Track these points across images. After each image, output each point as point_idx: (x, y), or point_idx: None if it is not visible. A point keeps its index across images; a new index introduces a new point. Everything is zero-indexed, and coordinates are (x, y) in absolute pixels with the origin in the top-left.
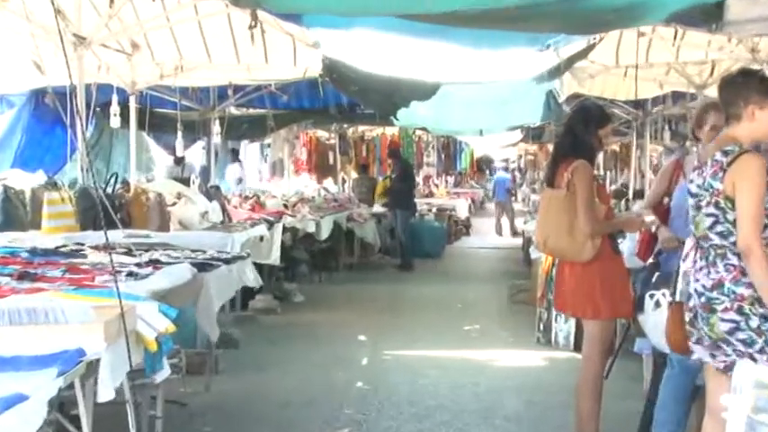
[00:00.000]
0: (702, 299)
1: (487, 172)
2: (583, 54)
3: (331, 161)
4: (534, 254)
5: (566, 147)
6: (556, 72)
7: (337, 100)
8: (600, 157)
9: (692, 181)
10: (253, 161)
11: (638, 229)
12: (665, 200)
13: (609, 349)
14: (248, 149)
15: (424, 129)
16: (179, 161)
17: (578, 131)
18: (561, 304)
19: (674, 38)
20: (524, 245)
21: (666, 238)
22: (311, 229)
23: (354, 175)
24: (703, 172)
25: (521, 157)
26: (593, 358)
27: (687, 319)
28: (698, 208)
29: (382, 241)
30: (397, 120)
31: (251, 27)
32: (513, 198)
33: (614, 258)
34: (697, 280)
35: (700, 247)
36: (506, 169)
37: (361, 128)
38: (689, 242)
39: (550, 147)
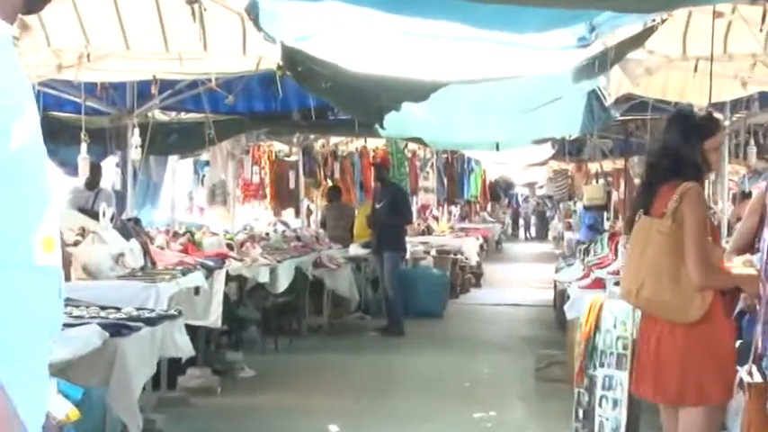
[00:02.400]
0: None
1: (506, 200)
2: (638, 41)
3: (292, 185)
4: (571, 313)
5: (664, 167)
6: (601, 65)
7: (302, 102)
8: None
9: None
10: (184, 184)
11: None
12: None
13: None
14: (178, 168)
15: (419, 141)
16: (92, 184)
17: (675, 146)
18: (645, 385)
19: (763, 20)
20: (556, 301)
21: (755, 295)
22: (264, 278)
23: (324, 203)
24: None
25: (551, 180)
26: None
27: None
28: None
29: (362, 295)
30: (383, 129)
31: (191, 1)
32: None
33: (725, 322)
34: None
35: None
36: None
37: (333, 140)
38: None
39: (591, 166)
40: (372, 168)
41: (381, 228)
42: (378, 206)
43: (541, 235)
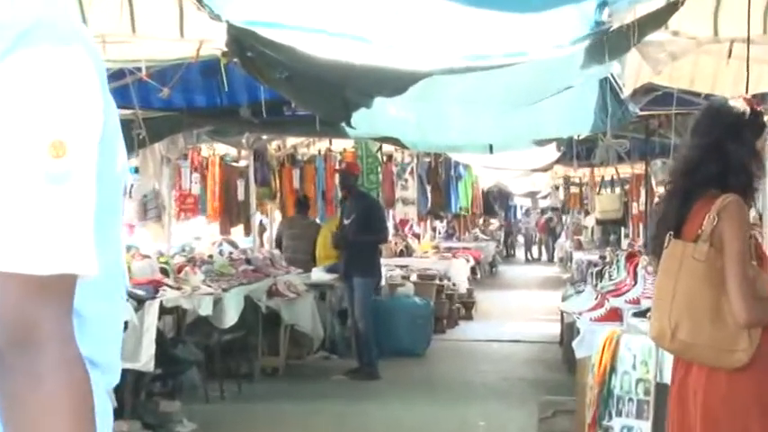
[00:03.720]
0: None
1: (502, 214)
2: (658, 19)
3: (241, 196)
4: (581, 351)
5: (704, 172)
6: (614, 48)
7: (252, 95)
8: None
9: None
10: None
11: None
12: None
13: None
14: None
15: (396, 142)
16: None
17: (722, 144)
18: None
19: None
20: (563, 336)
21: None
22: (207, 310)
23: (280, 218)
24: None
25: (557, 188)
26: None
27: None
28: None
29: (326, 331)
30: (351, 128)
31: None
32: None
33: None
34: None
35: None
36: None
37: (291, 141)
38: None
39: (605, 171)
40: (337, 176)
41: (350, 248)
42: (345, 222)
43: (546, 255)
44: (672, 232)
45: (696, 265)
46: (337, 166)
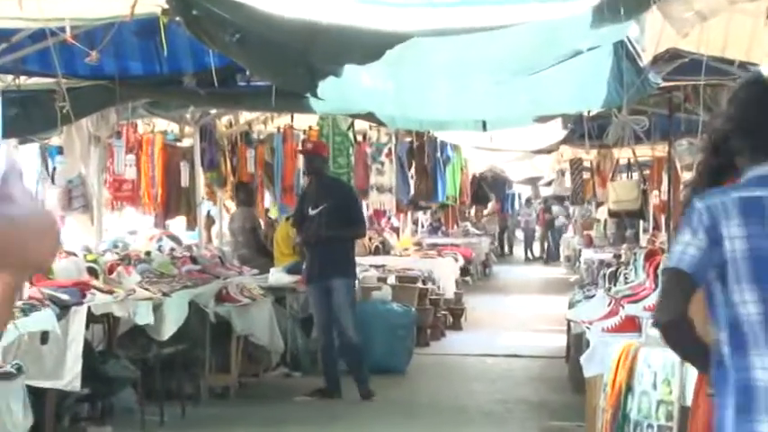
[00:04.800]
0: None
1: (497, 203)
2: None
3: (185, 182)
4: (591, 367)
5: (735, 148)
6: (633, 4)
7: (198, 61)
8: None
9: None
10: (26, 181)
11: None
12: None
13: None
14: (17, 157)
15: (370, 118)
16: None
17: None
18: None
19: None
20: (570, 350)
21: None
22: (145, 318)
23: (232, 208)
24: None
25: (563, 173)
26: None
27: None
28: None
29: (287, 342)
30: (318, 99)
31: None
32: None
33: None
34: None
35: None
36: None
37: (245, 116)
38: None
39: (620, 154)
40: (302, 159)
41: (324, 244)
42: (312, 212)
43: (551, 254)
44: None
45: None
46: (300, 147)
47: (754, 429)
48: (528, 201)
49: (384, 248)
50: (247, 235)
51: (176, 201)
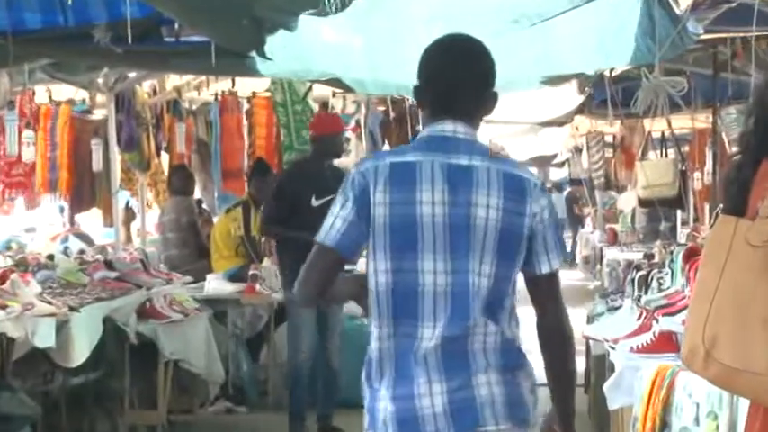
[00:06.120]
0: None
1: None
2: None
3: (96, 165)
4: (617, 397)
5: None
6: None
7: (113, 12)
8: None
9: None
10: None
11: None
12: None
13: None
14: None
15: (334, 83)
16: None
17: None
18: None
19: None
20: (590, 375)
21: None
22: (47, 340)
23: (161, 197)
24: None
25: (578, 150)
26: None
27: None
28: None
29: (230, 370)
30: (266, 59)
31: None
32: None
33: None
34: None
35: None
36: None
37: (173, 81)
38: None
39: (655, 124)
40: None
41: (298, 246)
42: (316, 203)
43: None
44: (729, 206)
45: (750, 252)
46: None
47: None
48: None
49: None
50: (182, 232)
51: (86, 189)
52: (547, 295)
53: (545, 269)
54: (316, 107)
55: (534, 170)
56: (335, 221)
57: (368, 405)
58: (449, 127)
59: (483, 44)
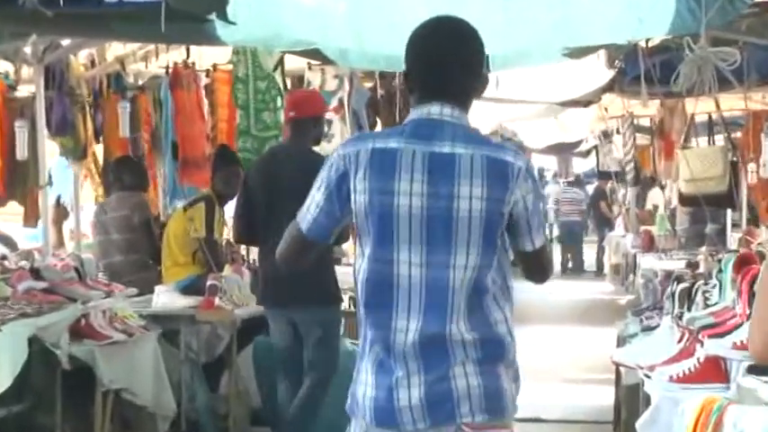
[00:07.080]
0: None
1: None
2: None
3: (21, 153)
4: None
5: None
6: None
7: None
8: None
9: None
10: None
11: None
12: None
13: None
14: None
15: (312, 54)
16: None
17: None
18: None
19: None
20: (620, 408)
21: None
22: None
23: (99, 194)
24: None
25: (607, 137)
26: None
27: None
28: None
29: (182, 401)
30: (228, 24)
31: None
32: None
33: None
34: None
35: None
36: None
37: (114, 51)
38: None
39: (700, 106)
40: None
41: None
42: (240, 199)
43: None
44: None
45: None
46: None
47: None
48: (554, 176)
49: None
50: (133, 233)
51: (9, 182)
52: (533, 268)
53: (528, 248)
54: (288, 83)
55: (553, 160)
56: (311, 205)
57: (351, 387)
58: (435, 109)
59: (471, 25)
